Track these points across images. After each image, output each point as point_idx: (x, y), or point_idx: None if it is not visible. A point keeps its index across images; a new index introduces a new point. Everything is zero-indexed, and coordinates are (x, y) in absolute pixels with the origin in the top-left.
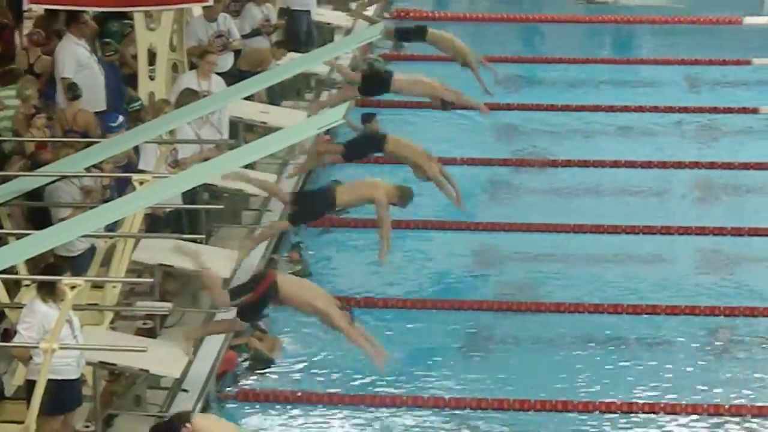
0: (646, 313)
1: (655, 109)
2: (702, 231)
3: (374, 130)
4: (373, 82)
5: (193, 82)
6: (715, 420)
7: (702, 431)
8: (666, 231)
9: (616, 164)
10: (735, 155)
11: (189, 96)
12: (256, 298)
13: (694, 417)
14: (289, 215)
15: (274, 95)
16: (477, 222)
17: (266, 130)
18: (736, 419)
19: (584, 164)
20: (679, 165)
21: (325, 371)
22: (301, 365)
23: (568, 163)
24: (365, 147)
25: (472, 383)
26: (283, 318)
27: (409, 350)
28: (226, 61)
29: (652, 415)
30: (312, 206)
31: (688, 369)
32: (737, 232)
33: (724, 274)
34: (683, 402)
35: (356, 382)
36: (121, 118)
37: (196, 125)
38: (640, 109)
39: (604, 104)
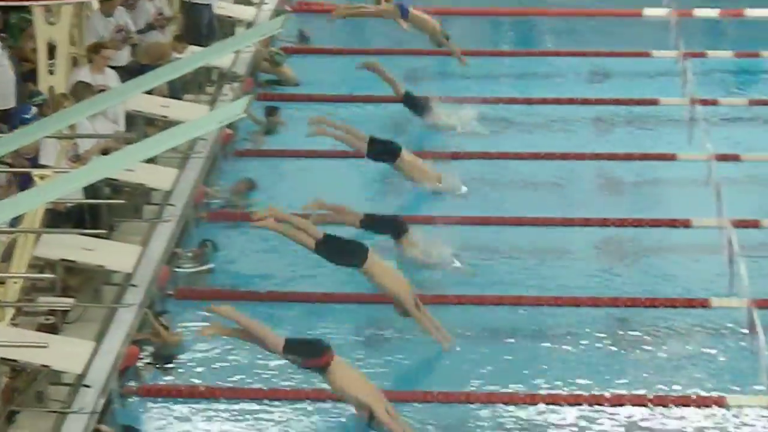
0: (548, 305)
1: (557, 101)
2: (604, 222)
3: (276, 123)
4: (380, 148)
5: (87, 76)
6: (618, 410)
7: (603, 421)
8: (568, 222)
9: (518, 156)
10: (636, 146)
11: (83, 89)
12: (301, 364)
13: (597, 407)
14: (316, 243)
15: (175, 89)
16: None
17: (167, 123)
18: (638, 409)
19: (487, 156)
20: (580, 156)
21: (227, 366)
22: (203, 360)
23: (470, 156)
24: (382, 228)
25: (375, 376)
26: (184, 312)
27: None
28: (122, 55)
29: (554, 406)
30: (339, 254)
31: (591, 360)
32: (638, 223)
33: (625, 265)
34: (585, 393)
35: (258, 377)
36: (33, 110)
37: (90, 117)
38: (543, 101)
39: (506, 96)
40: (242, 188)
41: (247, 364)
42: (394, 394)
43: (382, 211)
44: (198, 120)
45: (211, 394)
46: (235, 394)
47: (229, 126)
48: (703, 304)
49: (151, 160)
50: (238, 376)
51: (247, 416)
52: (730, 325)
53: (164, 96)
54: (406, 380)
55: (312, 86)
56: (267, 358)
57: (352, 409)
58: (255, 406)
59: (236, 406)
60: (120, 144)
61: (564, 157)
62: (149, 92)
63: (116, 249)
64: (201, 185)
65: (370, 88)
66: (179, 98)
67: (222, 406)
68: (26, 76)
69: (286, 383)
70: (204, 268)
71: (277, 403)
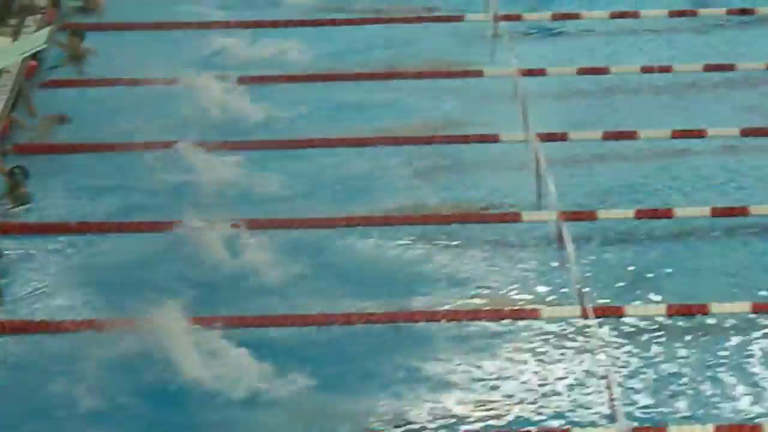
0: (359, 224)
1: (350, 22)
2: (413, 141)
3: (82, 51)
4: None
5: None
6: (430, 325)
7: (417, 336)
8: (378, 141)
9: (328, 77)
10: (442, 64)
11: None
12: None
13: (409, 323)
14: None
15: None
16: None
17: None
18: (451, 324)
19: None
20: (387, 75)
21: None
22: None
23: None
24: None
25: None
26: None
27: None
28: None
29: (367, 325)
30: None
31: (402, 276)
32: (448, 140)
33: (435, 182)
34: (395, 309)
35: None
36: None
37: None
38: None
39: None
40: (53, 121)
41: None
42: None
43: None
44: (0, 52)
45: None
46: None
47: (34, 57)
48: (514, 218)
49: None
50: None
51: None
52: (540, 238)
53: None
54: None
55: (118, 14)
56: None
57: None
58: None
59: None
60: None
61: (371, 77)
62: None
63: None
64: (7, 117)
65: (179, 15)
66: None
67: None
68: None
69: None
70: (19, 208)
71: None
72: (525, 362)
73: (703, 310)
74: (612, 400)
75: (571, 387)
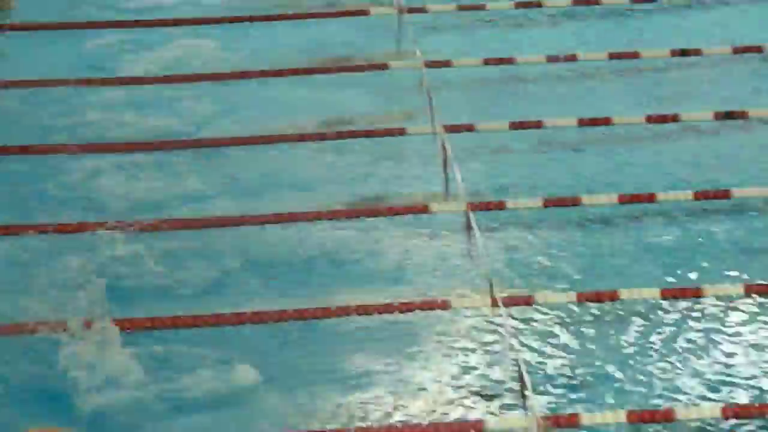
0: (275, 222)
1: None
2: (322, 137)
3: None
4: None
5: None
6: (343, 319)
7: (328, 333)
8: (288, 138)
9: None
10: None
11: None
12: None
13: (322, 319)
14: None
15: None
16: None
17: None
18: (365, 317)
19: None
20: (293, 72)
21: None
22: None
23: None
24: None
25: None
26: None
27: None
28: None
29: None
30: None
31: (312, 272)
32: (352, 135)
33: (343, 176)
34: (310, 305)
35: None
36: None
37: None
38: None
39: None
40: None
41: None
42: None
43: None
44: None
45: None
46: None
47: None
48: (423, 209)
49: None
50: None
51: None
52: (449, 229)
53: None
54: None
55: (30, 14)
56: None
57: None
58: None
59: None
60: None
61: (279, 74)
62: None
63: None
64: None
65: (92, 15)
66: None
67: None
68: None
69: None
70: None
71: None
72: (436, 354)
73: (613, 297)
74: (524, 389)
75: (482, 377)
